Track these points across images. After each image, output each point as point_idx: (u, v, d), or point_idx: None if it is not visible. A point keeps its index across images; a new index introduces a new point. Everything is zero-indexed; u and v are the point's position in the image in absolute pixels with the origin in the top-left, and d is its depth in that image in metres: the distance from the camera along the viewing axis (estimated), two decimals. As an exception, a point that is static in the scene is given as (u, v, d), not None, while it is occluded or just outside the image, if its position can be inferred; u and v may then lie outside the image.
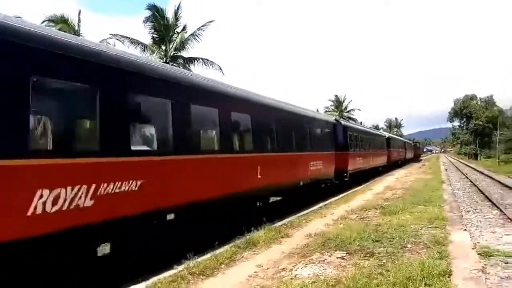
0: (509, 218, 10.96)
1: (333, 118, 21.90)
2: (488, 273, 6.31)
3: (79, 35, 23.31)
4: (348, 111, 75.25)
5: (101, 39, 25.13)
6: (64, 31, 19.90)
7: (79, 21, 25.72)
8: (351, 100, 77.26)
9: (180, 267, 6.50)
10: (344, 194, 17.88)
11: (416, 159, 72.97)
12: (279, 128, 12.75)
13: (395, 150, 43.57)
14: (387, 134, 43.84)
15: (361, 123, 71.60)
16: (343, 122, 22.96)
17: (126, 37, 26.49)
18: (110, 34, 26.39)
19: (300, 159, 14.54)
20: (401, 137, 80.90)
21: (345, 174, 20.35)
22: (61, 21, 24.56)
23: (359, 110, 79.41)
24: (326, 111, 72.92)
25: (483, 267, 6.53)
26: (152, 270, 6.57)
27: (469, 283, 5.72)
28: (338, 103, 76.02)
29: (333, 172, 18.67)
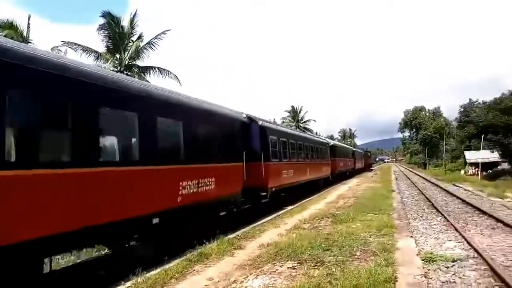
0: (451, 225, 11.50)
1: (244, 115, 15.13)
2: (431, 278, 6.58)
3: (27, 42, 22.43)
4: (304, 122, 76.54)
5: (52, 46, 24.31)
6: (12, 37, 19.12)
7: (28, 26, 24.74)
8: (307, 111, 78.72)
9: (128, 283, 6.32)
10: (298, 204, 18.08)
11: (367, 168, 71.01)
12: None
13: (342, 159, 39.10)
14: (331, 141, 39.50)
15: (316, 133, 73.03)
16: (260, 121, 16.08)
17: (79, 45, 25.73)
18: (62, 42, 25.54)
19: (153, 177, 8.35)
20: (354, 147, 79.95)
21: (264, 194, 15.28)
22: (8, 27, 23.51)
23: (315, 121, 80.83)
24: (283, 122, 73.81)
25: (426, 272, 6.83)
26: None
27: (412, 288, 5.97)
28: (295, 114, 77.19)
29: (240, 192, 13.24)
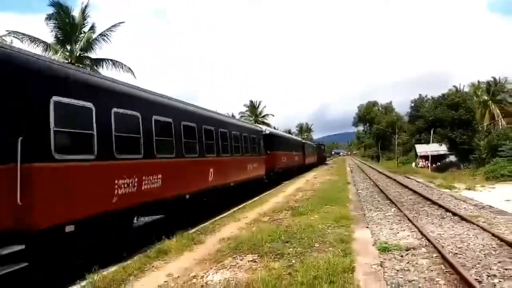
0: (405, 215, 11.95)
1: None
2: (386, 267, 6.80)
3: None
4: (262, 116, 76.87)
5: (-5, 35, 22.91)
6: None
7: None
8: (265, 106, 79.02)
9: (84, 282, 6.09)
10: (257, 198, 18.17)
11: (321, 162, 69.27)
12: None
13: (285, 153, 31.05)
14: (265, 128, 28.26)
15: (274, 127, 73.58)
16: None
17: (26, 35, 24.39)
18: (7, 31, 24.12)
19: None
20: (310, 140, 78.65)
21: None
22: None
23: (273, 115, 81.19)
24: (241, 116, 73.77)
25: (381, 261, 7.06)
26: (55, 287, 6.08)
27: (369, 277, 6.15)
28: (253, 108, 77.35)
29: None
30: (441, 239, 8.90)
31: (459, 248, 8.06)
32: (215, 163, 13.72)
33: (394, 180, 27.97)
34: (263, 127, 27.80)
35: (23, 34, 24.40)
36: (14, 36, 24.09)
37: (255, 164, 20.02)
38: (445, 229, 10.09)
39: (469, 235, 9.19)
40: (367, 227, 10.21)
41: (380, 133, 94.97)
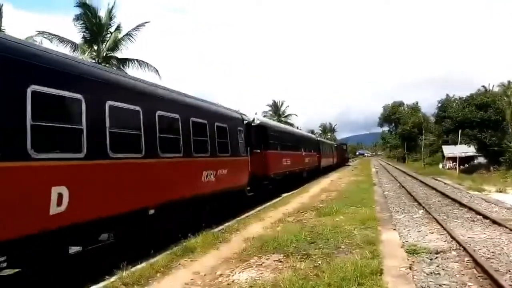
0: (433, 217, 11.68)
1: None
2: (415, 270, 6.65)
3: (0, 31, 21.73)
4: (285, 116, 76.68)
5: (26, 36, 23.55)
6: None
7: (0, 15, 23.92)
8: (288, 106, 78.75)
9: (113, 278, 6.18)
10: (281, 197, 18.11)
11: (342, 164, 61.88)
12: None
13: (288, 154, 22.82)
14: (255, 117, 18.95)
15: (298, 127, 73.23)
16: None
17: (55, 35, 25.03)
18: (37, 31, 24.81)
19: None
20: (334, 141, 73.68)
21: None
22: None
23: (296, 115, 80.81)
24: (264, 116, 73.77)
25: (410, 264, 6.89)
26: (84, 282, 6.19)
27: (398, 280, 6.00)
28: (276, 108, 77.27)
29: None
30: (472, 242, 8.65)
31: (492, 252, 7.81)
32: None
33: (421, 181, 27.43)
34: (252, 116, 18.58)
35: (52, 34, 25.06)
36: (44, 37, 24.76)
37: (227, 169, 12.86)
38: (476, 232, 9.81)
39: (502, 239, 8.89)
40: (395, 229, 10.00)
41: (406, 134, 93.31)
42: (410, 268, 6.64)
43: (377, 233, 9.26)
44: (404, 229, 10.35)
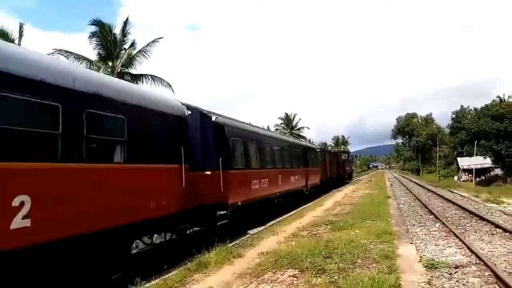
0: (451, 231, 11.43)
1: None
2: (434, 285, 6.48)
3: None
4: (297, 129, 76.52)
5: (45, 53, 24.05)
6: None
7: (20, 34, 24.54)
8: (300, 118, 78.51)
9: (127, 294, 6.15)
10: (295, 211, 17.95)
11: (341, 180, 44.90)
12: None
13: (266, 171, 15.85)
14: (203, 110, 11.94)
15: (310, 141, 72.95)
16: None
17: (71, 53, 25.54)
18: (53, 49, 25.34)
19: None
20: (348, 154, 60.30)
21: None
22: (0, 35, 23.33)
23: (308, 128, 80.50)
24: (276, 129, 73.72)
25: (429, 279, 6.72)
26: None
27: (417, 296, 5.85)
28: (288, 121, 77.16)
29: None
30: (493, 256, 8.43)
31: (513, 266, 7.59)
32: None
33: (437, 194, 26.99)
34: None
35: (69, 52, 25.57)
36: (60, 54, 25.26)
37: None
38: (496, 246, 9.57)
39: (523, 253, 8.65)
40: (411, 243, 9.80)
41: (420, 146, 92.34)
42: (429, 283, 6.48)
43: (394, 247, 9.08)
44: (421, 243, 10.14)
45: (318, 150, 32.37)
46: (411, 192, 28.83)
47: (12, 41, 23.79)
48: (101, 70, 26.44)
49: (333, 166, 37.56)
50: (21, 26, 24.92)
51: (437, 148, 71.65)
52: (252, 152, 14.54)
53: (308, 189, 24.17)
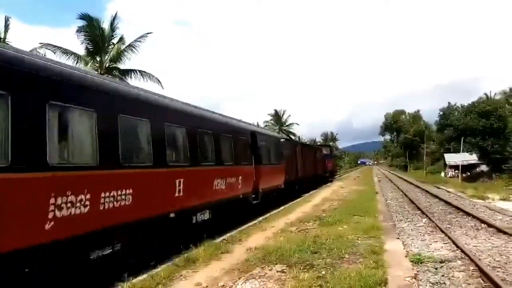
0: (437, 226, 11.58)
1: None
2: (420, 280, 6.56)
3: (4, 42, 21.86)
4: (287, 125, 76.55)
5: (30, 48, 23.68)
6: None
7: (6, 28, 24.10)
8: (289, 115, 78.52)
9: (114, 290, 6.11)
10: (284, 206, 18.02)
11: (325, 179, 39.35)
12: None
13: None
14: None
15: (299, 137, 73.12)
16: None
17: (58, 47, 25.15)
18: (40, 43, 24.93)
19: None
20: (336, 150, 54.80)
21: None
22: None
23: (298, 124, 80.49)
24: (266, 125, 73.67)
25: (415, 274, 6.80)
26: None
27: (403, 290, 5.92)
28: (278, 118, 77.16)
29: None
30: (477, 251, 8.56)
31: (497, 261, 7.72)
32: None
33: (424, 190, 27.30)
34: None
35: (56, 46, 25.18)
36: (47, 48, 24.89)
37: None
38: (480, 241, 9.72)
39: (507, 247, 8.81)
40: (398, 238, 9.91)
41: (408, 142, 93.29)
42: (415, 277, 6.55)
43: (381, 243, 9.17)
44: (408, 238, 10.26)
45: (282, 140, 23.73)
46: (399, 188, 29.12)
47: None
48: (88, 65, 26.14)
49: (308, 162, 30.65)
50: (6, 20, 24.46)
51: (425, 145, 72.49)
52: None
53: (259, 197, 15.92)
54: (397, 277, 6.52)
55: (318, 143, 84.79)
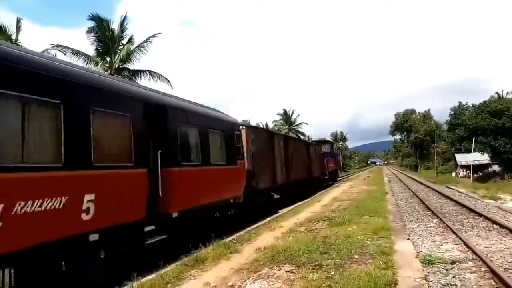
0: (448, 227, 11.45)
1: None
2: (431, 281, 6.48)
3: (17, 45, 22.14)
4: (296, 125, 76.43)
5: (42, 49, 23.95)
6: (-1, 40, 18.78)
7: (17, 29, 24.40)
8: (298, 114, 78.39)
9: (123, 289, 6.14)
10: (293, 206, 18.00)
11: (323, 182, 33.43)
12: None
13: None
14: None
15: (308, 137, 72.95)
16: None
17: (68, 48, 25.42)
18: (51, 45, 25.21)
19: None
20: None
21: None
22: (-4, 30, 23.25)
23: (307, 124, 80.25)
24: (275, 125, 73.62)
25: (426, 275, 6.73)
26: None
27: (413, 291, 5.87)
28: (287, 117, 77.08)
29: None
30: (489, 252, 8.43)
31: (509, 262, 7.58)
32: None
33: (434, 190, 27.03)
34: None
35: (66, 47, 25.45)
36: (58, 50, 25.15)
37: None
38: (492, 242, 9.57)
39: (520, 249, 8.67)
40: (408, 239, 9.82)
41: (418, 142, 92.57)
42: (425, 279, 6.49)
43: (391, 243, 9.10)
44: (418, 238, 10.15)
45: (243, 128, 15.37)
46: (409, 188, 28.88)
47: (10, 36, 23.70)
48: (99, 65, 26.36)
49: (296, 161, 23.39)
50: (18, 21, 24.75)
51: (435, 145, 71.84)
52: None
53: (168, 225, 9.00)
54: (407, 278, 6.46)
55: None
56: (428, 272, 6.94)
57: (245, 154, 14.57)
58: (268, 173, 17.50)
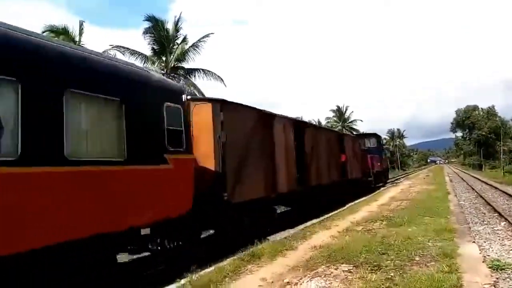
0: (518, 230, 10.74)
1: None
2: (500, 288, 6.11)
3: (79, 45, 23.50)
4: (350, 122, 74.95)
5: (102, 50, 25.25)
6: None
7: (80, 32, 25.90)
8: (352, 111, 76.70)
9: (183, 281, 6.33)
10: (349, 205, 17.67)
11: (369, 184, 27.36)
12: None
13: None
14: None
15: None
16: None
17: (127, 48, 26.63)
18: (110, 45, 26.54)
19: None
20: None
21: None
22: (62, 32, 24.80)
23: (361, 120, 78.37)
24: (328, 122, 72.63)
25: (494, 281, 6.33)
26: (154, 285, 6.41)
27: (481, 298, 5.54)
28: (340, 114, 75.76)
29: None
30: None
31: None
32: None
33: (501, 191, 25.38)
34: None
35: (125, 47, 26.68)
36: (117, 50, 26.43)
37: None
38: None
39: None
40: (474, 242, 9.27)
41: (482, 140, 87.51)
42: (494, 285, 6.09)
43: (454, 246, 8.64)
44: (485, 242, 9.60)
45: (188, 98, 10.29)
46: (473, 189, 27.36)
47: (73, 38, 25.22)
48: (155, 64, 27.37)
49: (317, 157, 16.91)
50: (81, 24, 26.27)
51: (501, 142, 67.55)
52: None
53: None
54: (473, 283, 6.10)
55: (384, 141, 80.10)
56: (497, 278, 6.54)
57: (212, 146, 9.63)
58: (260, 176, 11.76)
